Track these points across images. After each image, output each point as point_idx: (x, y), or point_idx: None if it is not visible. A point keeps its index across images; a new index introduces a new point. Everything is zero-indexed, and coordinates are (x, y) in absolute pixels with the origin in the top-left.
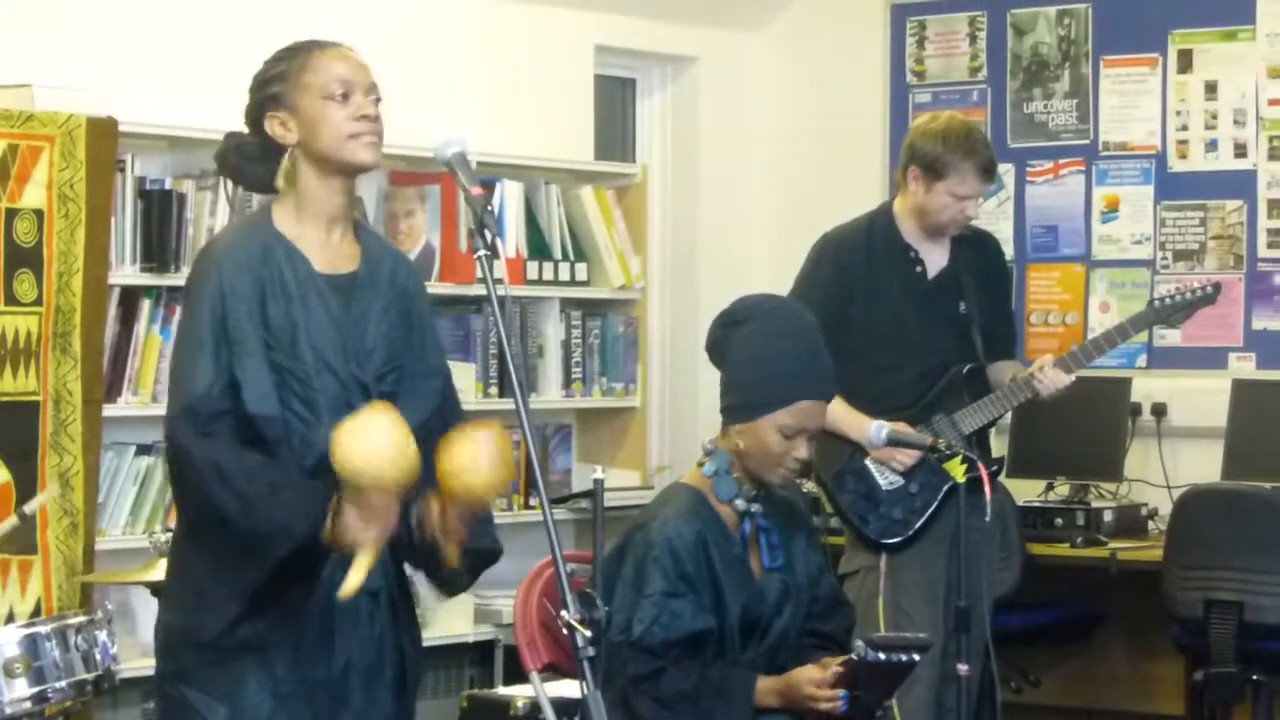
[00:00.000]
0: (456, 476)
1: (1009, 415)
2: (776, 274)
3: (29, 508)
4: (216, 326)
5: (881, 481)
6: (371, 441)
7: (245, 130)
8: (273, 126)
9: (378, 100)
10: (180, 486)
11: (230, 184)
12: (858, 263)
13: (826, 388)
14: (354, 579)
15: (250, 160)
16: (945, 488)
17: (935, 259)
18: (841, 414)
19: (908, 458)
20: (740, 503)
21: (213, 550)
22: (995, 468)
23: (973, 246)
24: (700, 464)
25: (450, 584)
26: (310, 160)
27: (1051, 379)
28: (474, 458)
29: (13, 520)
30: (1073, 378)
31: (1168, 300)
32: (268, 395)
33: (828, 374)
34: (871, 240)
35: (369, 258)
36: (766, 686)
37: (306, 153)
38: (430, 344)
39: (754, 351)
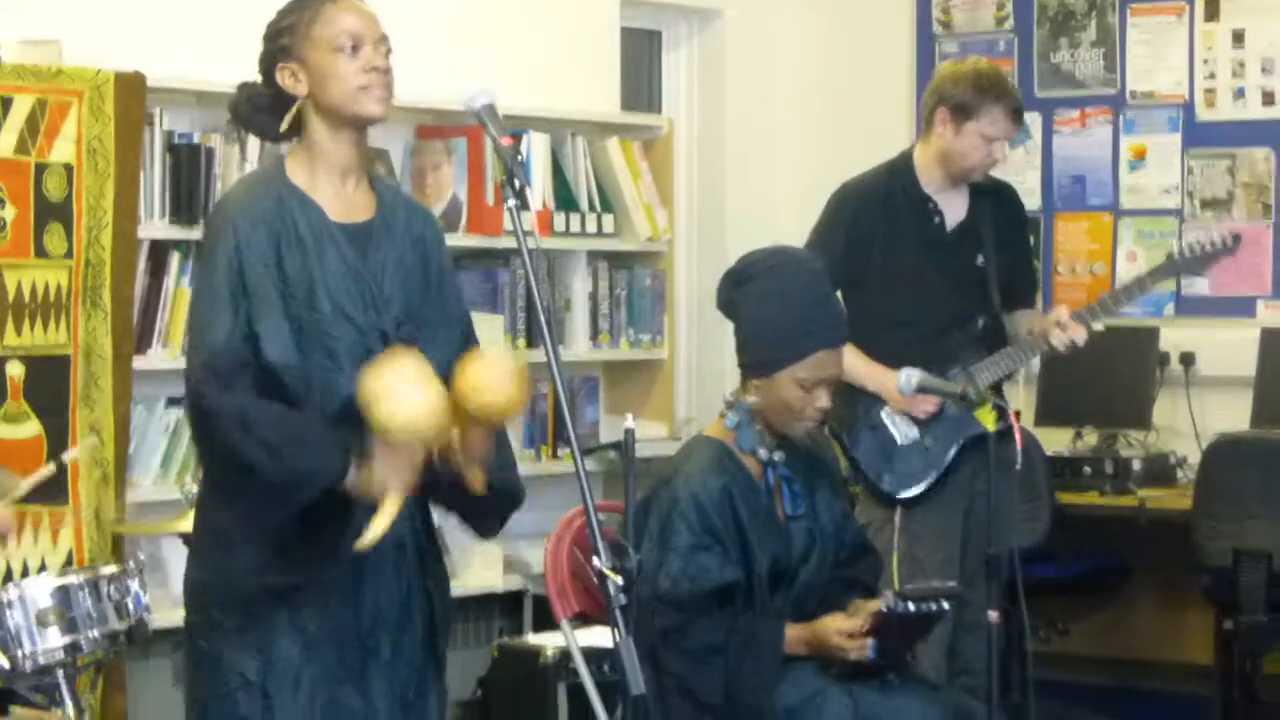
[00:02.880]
0: (473, 396)
1: (1035, 365)
2: (803, 226)
3: (67, 456)
4: (234, 280)
5: (897, 435)
6: (400, 389)
7: (258, 80)
8: (283, 78)
9: (388, 52)
10: (204, 440)
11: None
12: (876, 213)
13: (839, 334)
14: (377, 527)
15: (262, 111)
16: (961, 441)
17: (954, 210)
18: (861, 366)
19: (932, 405)
20: (763, 453)
21: (240, 502)
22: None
23: (991, 197)
24: (722, 416)
25: (481, 521)
26: (320, 112)
27: (1067, 335)
28: (489, 376)
29: (50, 468)
30: (1087, 333)
31: (1187, 252)
32: (287, 345)
33: (839, 320)
34: (890, 190)
35: (384, 207)
36: (794, 636)
37: (316, 105)
38: (450, 293)
39: (764, 308)
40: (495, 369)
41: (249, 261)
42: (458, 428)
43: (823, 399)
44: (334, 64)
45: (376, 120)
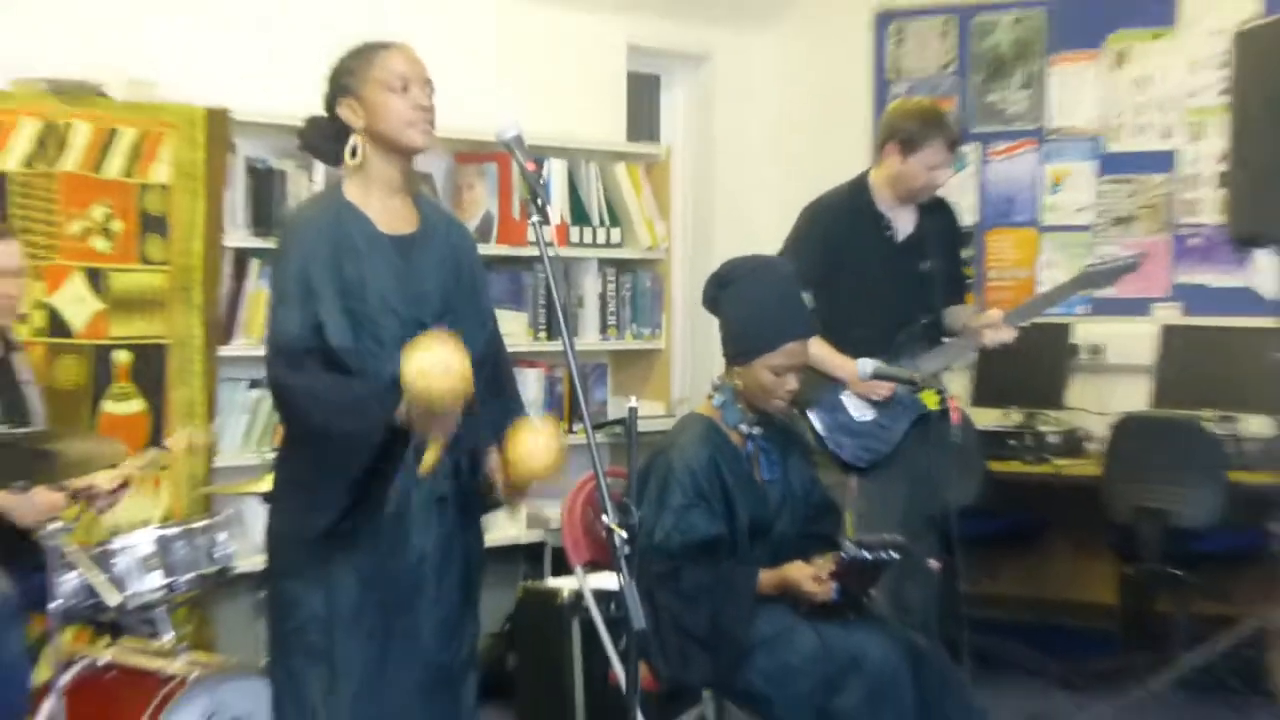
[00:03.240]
0: (520, 465)
1: (971, 356)
2: (779, 237)
3: (169, 442)
4: (302, 281)
5: (855, 413)
6: (437, 369)
7: (324, 114)
8: (344, 112)
9: (432, 92)
10: (284, 411)
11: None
12: (839, 227)
13: (805, 328)
14: (429, 459)
15: (326, 139)
16: (909, 420)
17: (904, 224)
18: (827, 355)
19: (886, 390)
20: (744, 427)
21: (313, 460)
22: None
23: (934, 214)
24: (710, 397)
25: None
26: (374, 141)
27: (999, 335)
28: (535, 448)
29: (154, 453)
30: (1014, 333)
31: (1097, 267)
32: (344, 333)
33: (805, 316)
34: (851, 208)
35: (426, 221)
36: (769, 580)
37: (371, 134)
38: (481, 294)
39: (743, 307)
40: (541, 443)
41: (313, 266)
42: (502, 479)
43: (791, 382)
44: (386, 101)
45: (420, 150)
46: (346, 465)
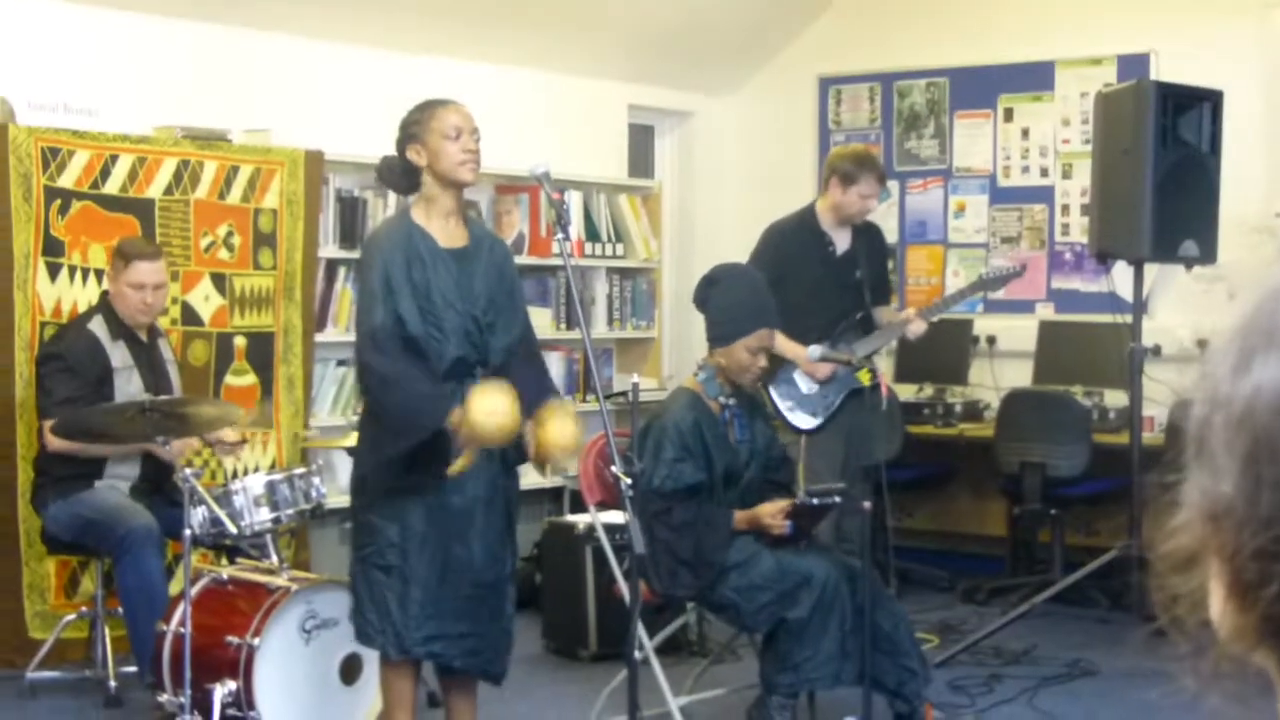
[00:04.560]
0: (551, 445)
1: (894, 344)
2: (744, 251)
3: (248, 416)
4: (384, 283)
5: (803, 387)
6: (499, 412)
7: (395, 155)
8: (411, 154)
9: (478, 139)
10: (364, 385)
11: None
12: (791, 245)
13: (774, 320)
14: (458, 465)
15: (397, 174)
16: (845, 393)
17: (842, 242)
18: (783, 342)
19: (828, 370)
20: (721, 398)
21: (385, 427)
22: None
23: (865, 234)
24: (695, 374)
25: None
26: (434, 177)
27: (915, 327)
28: (562, 434)
29: (255, 411)
30: (927, 325)
31: (990, 275)
32: (417, 323)
33: (774, 310)
34: (800, 229)
35: (475, 238)
36: (740, 517)
37: (432, 172)
38: (517, 294)
39: (727, 300)
40: (568, 430)
41: (391, 271)
42: (534, 452)
43: (762, 360)
44: (444, 146)
45: (470, 184)
46: (407, 439)
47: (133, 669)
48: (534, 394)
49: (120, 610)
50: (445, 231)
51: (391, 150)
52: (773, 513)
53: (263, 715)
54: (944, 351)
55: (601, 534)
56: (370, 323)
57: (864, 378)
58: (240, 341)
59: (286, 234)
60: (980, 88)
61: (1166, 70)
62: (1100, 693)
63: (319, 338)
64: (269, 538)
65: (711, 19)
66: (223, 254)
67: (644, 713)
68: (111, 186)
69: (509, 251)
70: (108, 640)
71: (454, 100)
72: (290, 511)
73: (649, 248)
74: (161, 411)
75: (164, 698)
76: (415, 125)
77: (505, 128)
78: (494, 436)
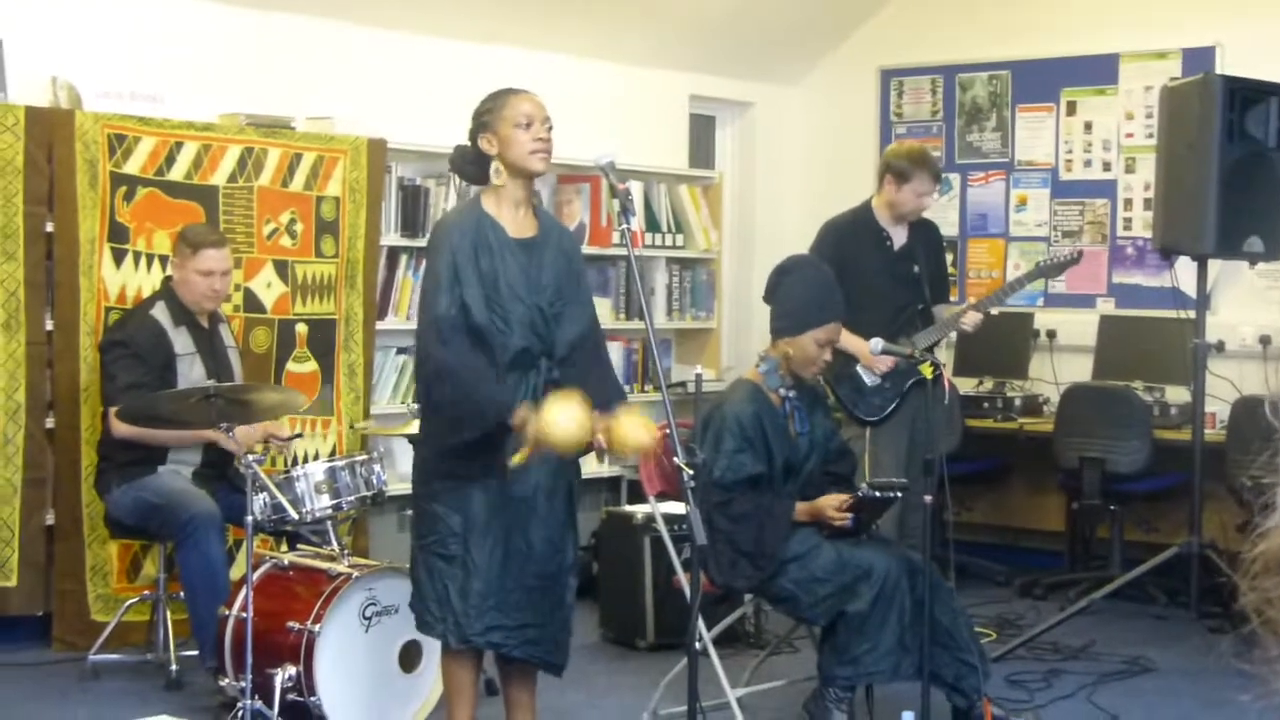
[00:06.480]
0: (623, 444)
1: (954, 336)
2: (803, 244)
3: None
4: (450, 271)
5: (866, 380)
6: (575, 423)
7: (467, 144)
8: (483, 143)
9: (550, 129)
10: (422, 373)
11: (457, 180)
12: (849, 239)
13: (842, 313)
14: (518, 458)
15: (469, 163)
16: (908, 385)
17: (899, 237)
18: (845, 336)
19: (890, 363)
20: (782, 390)
21: (444, 418)
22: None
23: (923, 229)
24: (756, 365)
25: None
26: (505, 165)
27: (970, 318)
28: (635, 434)
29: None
30: (982, 316)
31: (1046, 262)
32: (482, 313)
33: (842, 304)
34: (857, 225)
35: (543, 228)
36: (801, 509)
37: (503, 161)
38: (583, 285)
39: (799, 291)
40: (640, 431)
41: (459, 260)
42: (609, 447)
43: (828, 354)
44: (515, 135)
45: (541, 174)
46: (455, 434)
47: (193, 652)
48: (603, 397)
49: (181, 594)
50: (515, 221)
51: (453, 138)
52: (836, 505)
53: (323, 701)
54: (1004, 345)
55: (661, 526)
56: (435, 310)
57: (925, 371)
58: (302, 329)
59: (349, 222)
60: (1043, 81)
61: (1232, 64)
62: (1159, 690)
63: (380, 325)
64: (329, 524)
65: (774, 9)
66: (285, 241)
67: (701, 703)
68: (176, 173)
69: (576, 242)
70: (169, 624)
71: (527, 89)
72: (351, 498)
73: (709, 238)
74: (225, 398)
75: (225, 682)
76: (487, 114)
77: (567, 117)
78: (563, 446)
